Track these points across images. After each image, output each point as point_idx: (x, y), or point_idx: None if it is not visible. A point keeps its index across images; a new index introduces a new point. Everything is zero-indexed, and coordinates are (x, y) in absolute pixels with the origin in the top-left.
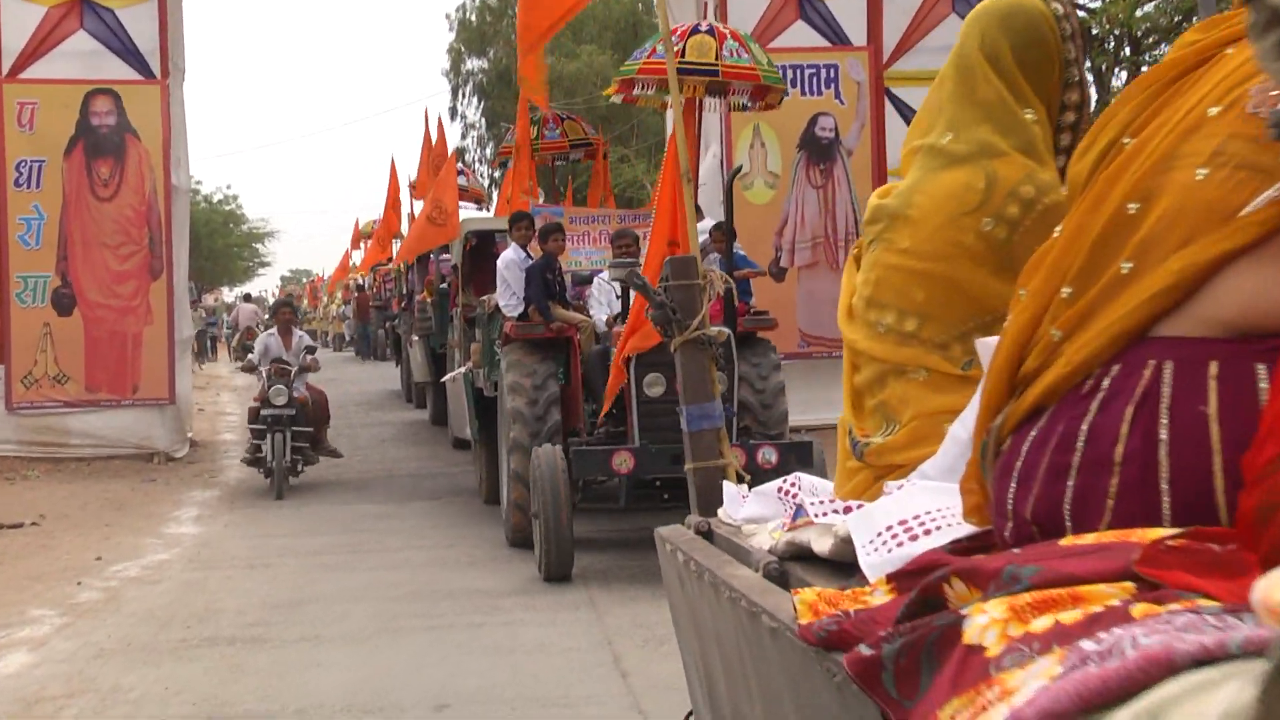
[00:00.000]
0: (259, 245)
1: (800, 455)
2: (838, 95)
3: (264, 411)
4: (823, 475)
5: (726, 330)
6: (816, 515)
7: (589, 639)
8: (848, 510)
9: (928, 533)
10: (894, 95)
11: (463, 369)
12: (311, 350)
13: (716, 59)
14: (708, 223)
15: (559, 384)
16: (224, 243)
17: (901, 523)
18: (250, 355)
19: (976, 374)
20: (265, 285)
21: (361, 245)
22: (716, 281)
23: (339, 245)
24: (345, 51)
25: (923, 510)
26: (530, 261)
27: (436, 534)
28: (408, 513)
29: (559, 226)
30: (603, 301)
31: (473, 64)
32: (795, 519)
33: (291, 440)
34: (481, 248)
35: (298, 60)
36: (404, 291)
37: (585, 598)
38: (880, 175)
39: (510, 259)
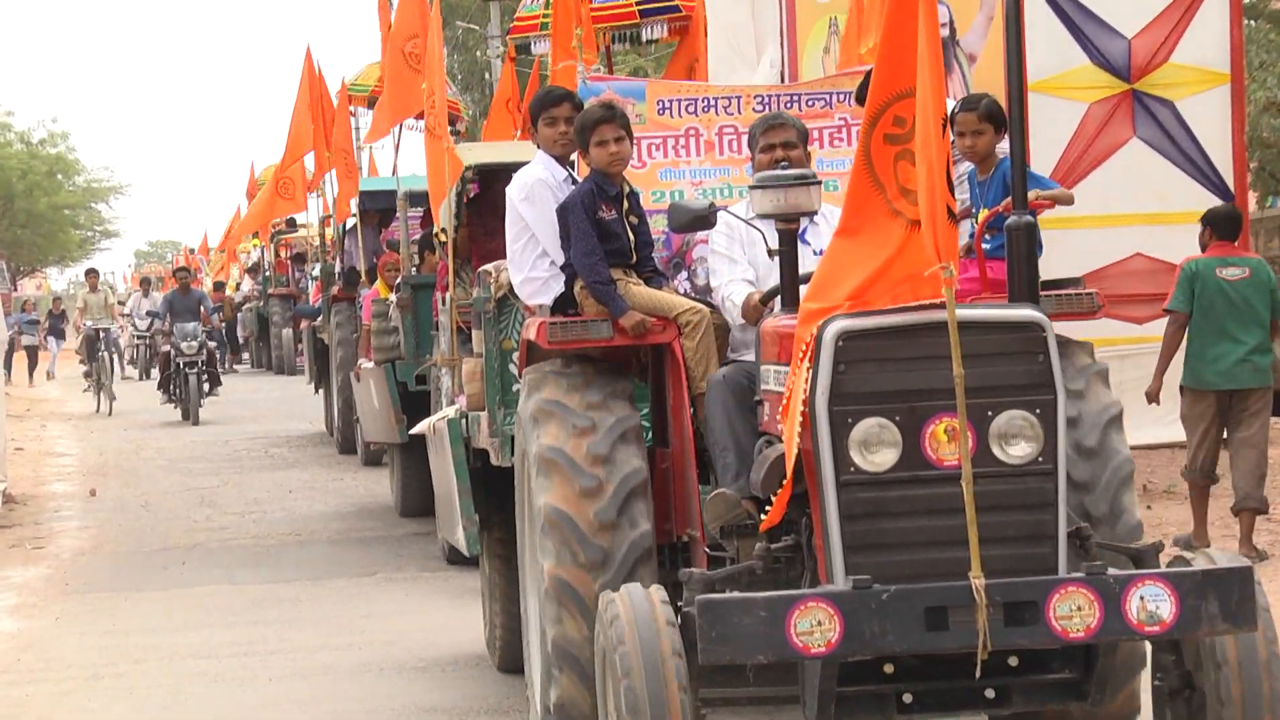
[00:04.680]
0: (101, 206)
1: (1228, 603)
2: None
3: None
4: None
5: (1038, 314)
6: None
7: None
8: None
9: None
10: None
11: (451, 410)
12: None
13: None
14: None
15: (644, 446)
16: (49, 203)
17: None
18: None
19: None
20: (113, 265)
21: None
22: None
23: (219, 206)
24: None
25: None
26: (580, 185)
27: (371, 626)
28: (327, 595)
29: (611, 112)
30: (737, 261)
31: None
32: None
33: None
34: (486, 198)
35: None
36: (336, 271)
37: None
38: (1019, 90)
39: (534, 181)
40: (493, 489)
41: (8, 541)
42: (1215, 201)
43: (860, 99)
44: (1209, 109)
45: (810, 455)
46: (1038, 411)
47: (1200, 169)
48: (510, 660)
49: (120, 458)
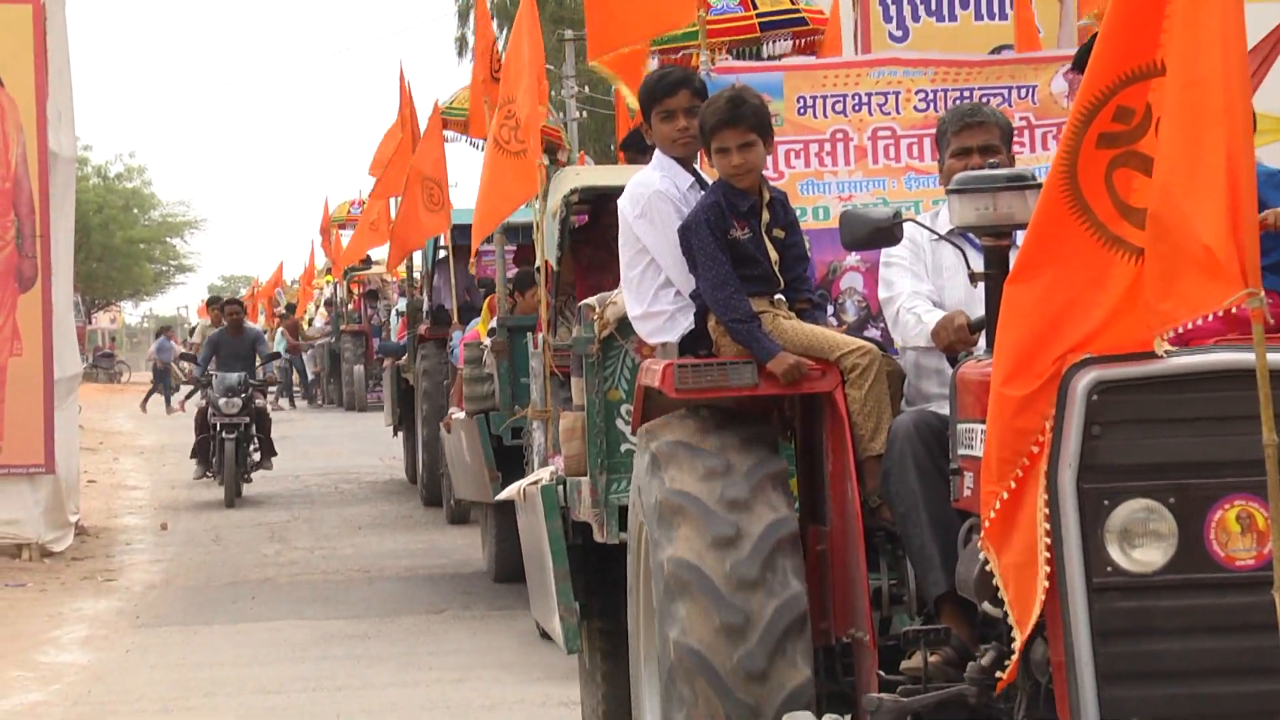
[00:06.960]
0: (177, 240)
1: None
2: None
3: None
4: None
5: None
6: None
7: None
8: None
9: None
10: None
11: (545, 472)
12: None
13: None
14: None
15: (794, 527)
16: (125, 236)
17: None
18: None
19: None
20: (187, 299)
21: (333, 237)
22: None
23: (293, 242)
24: None
25: None
26: (703, 198)
27: (439, 663)
28: (396, 632)
29: (736, 111)
30: (922, 280)
31: None
32: None
33: None
34: (595, 227)
35: None
36: (425, 309)
37: None
38: None
39: (651, 194)
40: (595, 570)
41: (79, 574)
42: None
43: (1079, 65)
44: None
45: (1056, 537)
46: None
47: None
48: None
49: (191, 491)
